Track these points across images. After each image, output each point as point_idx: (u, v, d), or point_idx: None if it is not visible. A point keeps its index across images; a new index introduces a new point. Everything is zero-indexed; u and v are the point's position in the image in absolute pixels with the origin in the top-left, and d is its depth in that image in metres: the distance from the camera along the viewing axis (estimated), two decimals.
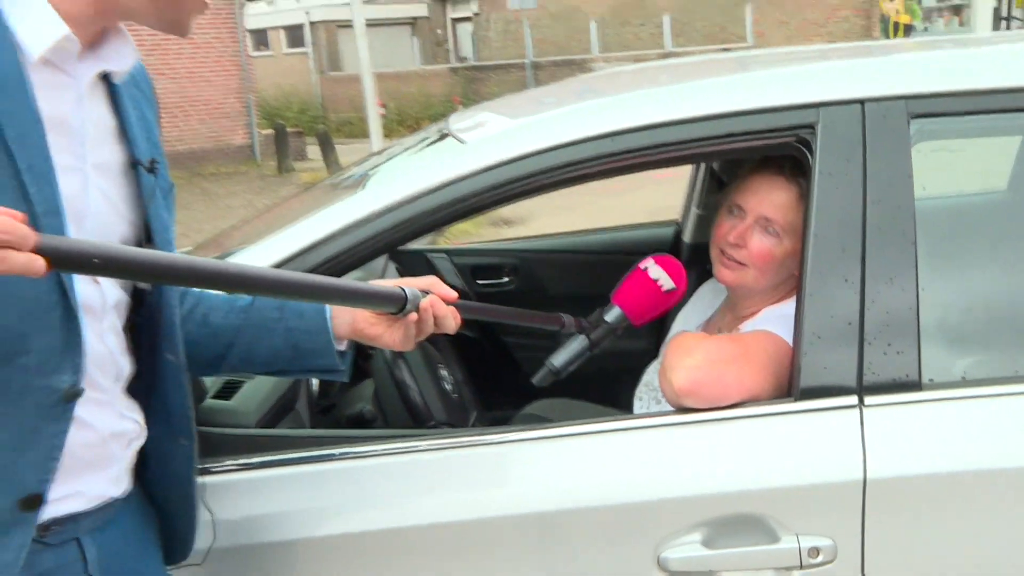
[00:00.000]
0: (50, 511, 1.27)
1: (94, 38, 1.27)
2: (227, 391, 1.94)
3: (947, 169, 2.27)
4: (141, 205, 1.37)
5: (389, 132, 16.47)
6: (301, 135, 19.54)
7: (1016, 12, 24.00)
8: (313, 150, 18.17)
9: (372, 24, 24.82)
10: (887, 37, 21.18)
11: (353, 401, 2.35)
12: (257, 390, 1.95)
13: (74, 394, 1.24)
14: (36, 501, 1.23)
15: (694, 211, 3.18)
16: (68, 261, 1.02)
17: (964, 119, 1.84)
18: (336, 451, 1.78)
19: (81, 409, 1.26)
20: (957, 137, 2.06)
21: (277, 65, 30.26)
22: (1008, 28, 23.35)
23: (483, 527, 1.72)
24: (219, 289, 1.41)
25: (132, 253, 1.12)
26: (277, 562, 1.72)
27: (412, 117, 24.11)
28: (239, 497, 1.71)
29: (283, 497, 1.73)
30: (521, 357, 3.25)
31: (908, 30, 21.88)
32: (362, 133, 23.19)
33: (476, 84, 24.32)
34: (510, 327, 3.22)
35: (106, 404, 1.34)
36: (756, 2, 21.89)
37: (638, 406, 2.20)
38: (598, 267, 3.19)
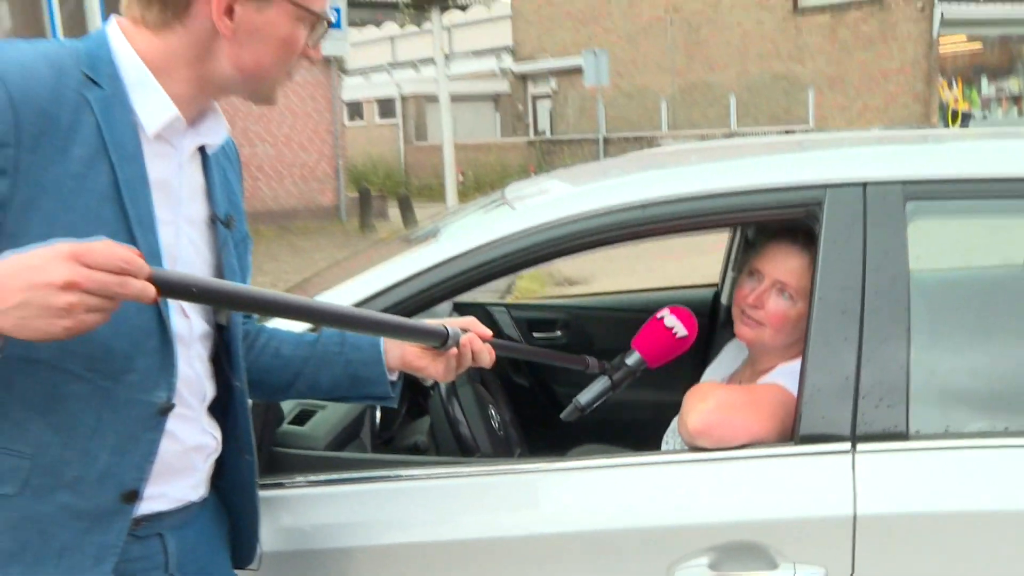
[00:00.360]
0: (142, 507, 1.40)
1: (196, 116, 1.43)
2: (301, 418, 2.07)
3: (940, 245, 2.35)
4: (217, 252, 1.51)
5: (464, 197, 16.80)
6: (384, 197, 19.78)
7: None
8: (394, 211, 18.49)
9: (458, 98, 25.33)
10: (946, 124, 20.88)
11: (411, 434, 2.48)
12: (327, 419, 2.09)
13: (167, 408, 1.38)
14: (133, 496, 1.37)
15: (730, 274, 3.26)
16: (172, 289, 1.20)
17: (954, 202, 1.93)
18: (391, 473, 1.89)
19: (171, 423, 1.40)
20: (948, 217, 2.13)
21: (368, 134, 30.83)
22: None
23: (517, 544, 1.80)
24: (286, 317, 1.57)
25: (219, 284, 1.30)
26: (337, 566, 1.81)
27: (488, 184, 24.28)
28: (308, 509, 1.83)
29: (345, 511, 1.83)
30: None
31: (966, 118, 21.42)
32: (440, 197, 23.51)
33: (550, 156, 24.50)
34: (562, 378, 3.32)
35: (192, 420, 1.47)
36: (818, 86, 21.77)
37: (664, 448, 2.30)
38: (641, 324, 3.34)
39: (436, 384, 2.33)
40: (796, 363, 2.02)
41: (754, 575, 1.75)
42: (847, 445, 1.78)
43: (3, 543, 1.30)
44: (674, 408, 2.65)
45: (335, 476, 1.87)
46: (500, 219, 2.04)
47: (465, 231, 2.14)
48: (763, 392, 1.95)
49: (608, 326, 3.47)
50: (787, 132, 19.83)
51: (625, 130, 25.02)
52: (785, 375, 2.01)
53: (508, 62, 30.36)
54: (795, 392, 1.90)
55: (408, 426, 2.56)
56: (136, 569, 1.42)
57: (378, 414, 2.39)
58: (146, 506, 1.41)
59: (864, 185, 1.88)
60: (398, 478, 1.88)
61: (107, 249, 1.11)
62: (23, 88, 1.22)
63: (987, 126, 21.78)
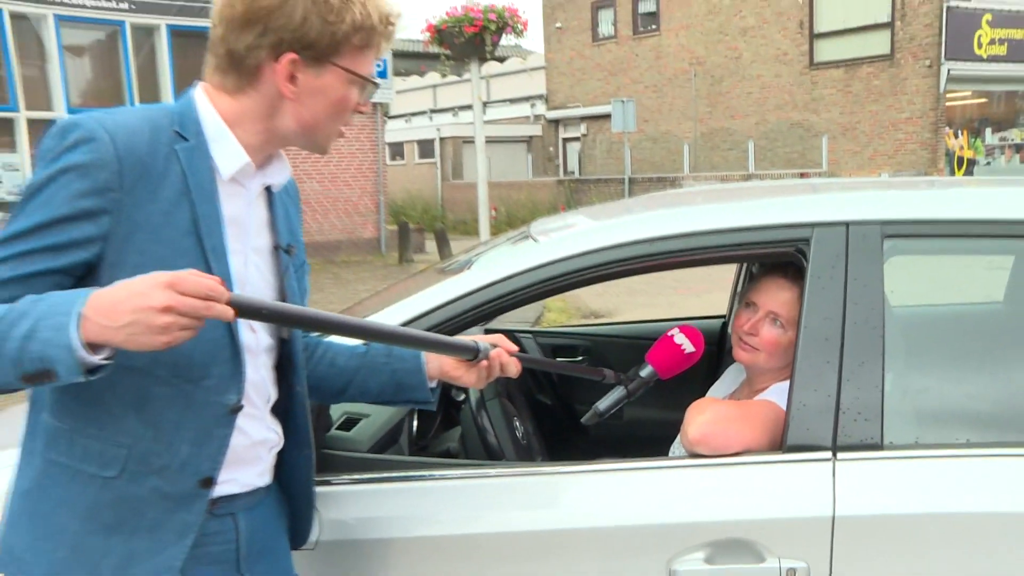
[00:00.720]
0: (216, 491, 1.54)
1: (263, 162, 1.58)
2: (347, 424, 2.18)
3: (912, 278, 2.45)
4: (280, 277, 1.65)
5: (497, 231, 16.88)
6: (421, 231, 19.83)
7: None
8: (430, 244, 18.65)
9: (493, 141, 25.52)
10: (951, 170, 20.85)
11: (444, 442, 2.60)
12: (370, 426, 2.20)
13: (237, 408, 1.53)
14: (209, 482, 1.52)
15: (736, 306, 3.39)
16: (246, 311, 1.35)
17: (927, 240, 2.02)
18: (426, 473, 1.99)
19: (240, 420, 1.55)
20: (921, 255, 2.24)
21: (408, 173, 31.07)
22: None
23: (536, 537, 1.89)
24: (340, 335, 1.69)
25: (284, 307, 1.45)
26: (377, 555, 1.91)
27: (519, 220, 24.39)
28: (352, 504, 1.94)
29: (385, 506, 1.94)
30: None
31: (971, 164, 21.40)
32: (474, 231, 23.62)
33: (578, 194, 24.60)
34: (582, 396, 3.40)
35: (258, 419, 1.61)
36: (832, 134, 21.79)
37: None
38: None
39: (467, 397, 2.45)
40: (787, 383, 2.07)
41: (744, 568, 1.83)
42: (829, 454, 1.87)
43: (106, 517, 1.46)
44: (678, 425, 2.75)
45: (377, 475, 1.97)
46: (524, 252, 2.15)
47: (492, 263, 2.24)
48: (756, 407, 2.04)
49: (625, 351, 3.53)
50: (802, 175, 19.90)
51: (649, 171, 25.08)
52: (777, 393, 2.10)
53: (541, 108, 30.55)
54: (784, 407, 1.98)
55: (442, 434, 2.67)
56: (212, 543, 1.56)
57: (415, 423, 2.51)
58: (220, 489, 1.55)
59: (847, 224, 1.98)
60: (432, 478, 1.98)
61: (196, 278, 1.27)
62: (127, 144, 1.39)
63: (991, 172, 21.74)
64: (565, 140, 30.05)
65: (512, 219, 24.14)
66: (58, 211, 1.35)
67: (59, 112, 14.29)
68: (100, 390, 1.42)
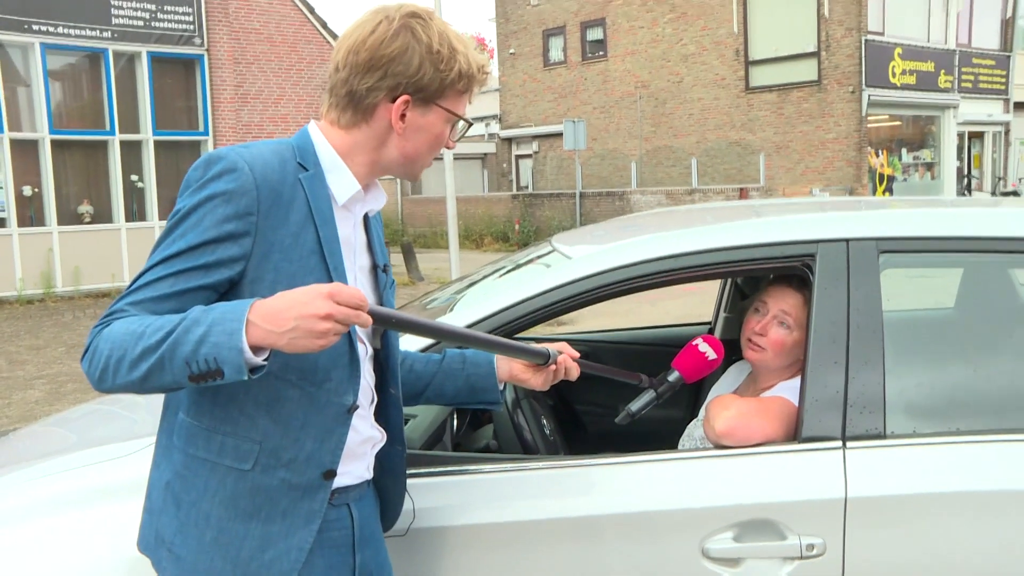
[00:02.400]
0: (336, 482, 1.61)
1: (367, 189, 1.66)
2: None
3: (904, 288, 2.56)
4: (378, 292, 1.73)
5: (478, 245, 16.41)
6: (387, 245, 19.81)
7: (975, 172, 24.39)
8: (396, 258, 18.62)
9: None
10: (874, 186, 21.44)
11: (480, 438, 2.66)
12: (419, 425, 2.22)
13: (353, 408, 1.61)
14: (331, 474, 1.59)
15: (723, 315, 3.46)
16: (380, 319, 1.44)
17: (917, 255, 2.14)
18: (474, 467, 2.03)
19: (354, 419, 1.62)
20: (912, 267, 2.33)
21: None
22: (969, 184, 23.69)
23: (576, 523, 1.95)
24: (449, 341, 1.77)
25: (410, 316, 1.53)
26: (432, 543, 1.96)
27: (477, 233, 24.46)
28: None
29: (433, 496, 1.97)
30: (590, 422, 3.54)
31: (891, 180, 22.14)
32: (434, 244, 23.57)
33: (532, 208, 24.68)
34: (582, 398, 3.47)
35: (365, 418, 1.69)
36: (767, 152, 22.22)
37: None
38: (647, 355, 3.49)
39: (503, 397, 2.51)
40: (793, 381, 2.22)
41: (768, 545, 1.92)
42: (839, 443, 1.97)
43: (245, 505, 1.53)
44: (674, 423, 2.83)
45: (430, 470, 2.01)
46: (558, 268, 2.21)
47: (526, 280, 2.29)
48: (772, 403, 2.14)
49: (621, 355, 3.64)
50: (741, 190, 20.24)
51: (599, 186, 25.30)
52: (786, 390, 2.20)
53: (495, 128, 30.65)
54: (796, 403, 2.10)
55: (473, 434, 2.73)
56: (333, 528, 1.64)
57: (455, 422, 2.57)
58: (338, 481, 1.62)
59: (847, 241, 2.09)
60: (481, 472, 2.03)
61: (349, 290, 1.36)
62: (263, 174, 1.47)
63: (908, 188, 22.38)
64: (518, 157, 30.15)
65: (470, 232, 24.14)
66: (207, 234, 1.43)
67: (42, 133, 14.08)
68: (235, 392, 1.50)
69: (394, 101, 1.56)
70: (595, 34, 26.48)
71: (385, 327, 1.56)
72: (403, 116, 1.58)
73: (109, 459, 2.07)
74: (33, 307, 13.56)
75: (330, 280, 1.53)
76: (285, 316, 1.33)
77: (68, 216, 14.60)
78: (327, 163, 1.58)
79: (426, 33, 1.55)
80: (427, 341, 2.06)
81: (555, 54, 27.84)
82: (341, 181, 1.59)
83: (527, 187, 29.12)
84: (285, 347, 1.34)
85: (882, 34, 21.24)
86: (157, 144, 15.23)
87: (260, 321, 1.34)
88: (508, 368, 1.92)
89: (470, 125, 1.68)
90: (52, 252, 14.29)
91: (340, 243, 1.57)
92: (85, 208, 14.81)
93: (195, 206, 1.44)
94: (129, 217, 15.08)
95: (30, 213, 14.25)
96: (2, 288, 13.84)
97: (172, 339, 1.35)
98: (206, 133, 15.79)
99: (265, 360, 1.37)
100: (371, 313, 1.39)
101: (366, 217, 1.72)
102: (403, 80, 1.54)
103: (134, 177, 15.19)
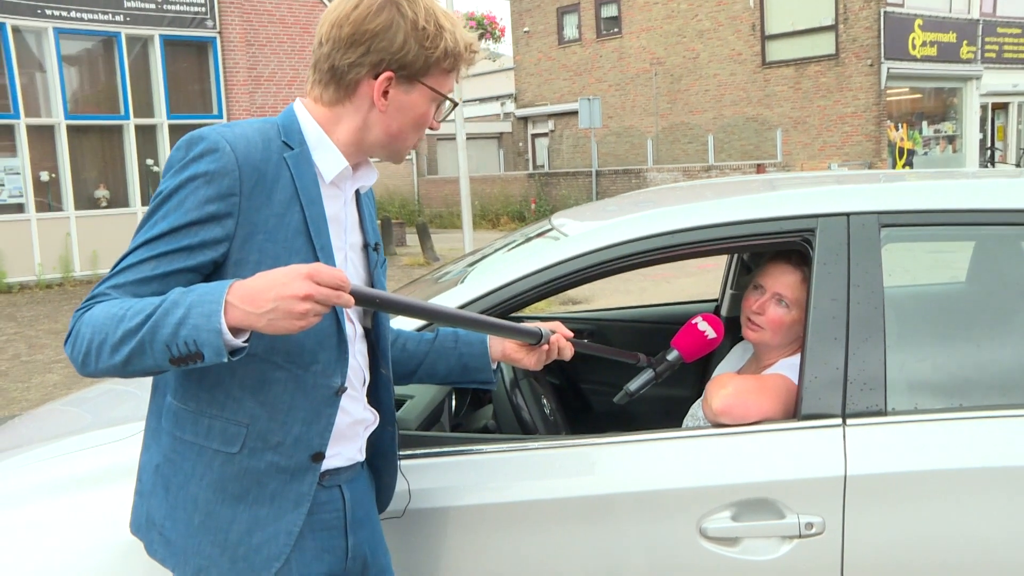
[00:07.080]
0: (325, 464, 1.60)
1: (356, 167, 1.64)
2: (396, 405, 2.25)
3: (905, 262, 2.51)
4: (369, 271, 1.71)
5: (473, 224, 16.66)
6: (403, 225, 19.73)
7: (998, 144, 24.01)
8: (412, 238, 18.60)
9: (466, 137, 25.31)
10: (893, 160, 21.18)
11: (478, 419, 2.66)
12: (416, 406, 2.23)
13: (342, 391, 1.59)
14: (320, 456, 1.57)
15: (729, 291, 3.42)
16: (362, 300, 1.42)
17: (919, 229, 2.10)
18: (471, 448, 2.02)
19: (344, 401, 1.60)
20: (913, 241, 2.29)
21: (385, 169, 30.88)
22: (992, 156, 23.34)
23: (573, 503, 1.93)
24: (437, 321, 1.73)
25: (391, 296, 1.51)
26: (428, 524, 1.94)
27: (493, 213, 24.39)
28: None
29: (430, 477, 1.96)
30: (597, 402, 3.54)
31: (911, 154, 21.84)
32: (450, 224, 23.53)
33: (548, 188, 24.59)
34: (588, 378, 3.48)
35: (357, 400, 1.67)
36: (784, 128, 22.00)
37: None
38: (655, 333, 3.43)
39: (501, 377, 2.50)
40: (792, 358, 2.20)
41: (767, 524, 1.90)
42: (839, 421, 1.94)
43: (233, 488, 1.52)
44: (681, 402, 2.81)
45: (427, 451, 2.00)
46: (554, 246, 2.19)
47: (524, 258, 2.24)
48: (771, 380, 2.11)
49: (628, 334, 3.62)
50: (758, 166, 20.08)
51: (615, 164, 25.15)
52: (785, 367, 2.18)
53: (511, 107, 30.50)
54: (795, 380, 2.07)
55: (473, 414, 2.73)
56: (324, 511, 1.63)
57: (453, 403, 2.56)
58: (327, 463, 1.61)
59: (848, 215, 2.06)
60: (480, 452, 2.01)
61: (331, 270, 1.34)
62: (245, 154, 1.45)
63: (928, 161, 22.07)
64: (534, 136, 30.05)
65: (486, 212, 24.09)
66: (189, 215, 1.41)
67: (58, 119, 14.15)
68: (221, 375, 1.48)
69: (377, 78, 1.53)
70: (610, 11, 26.26)
71: (369, 307, 1.54)
72: (385, 93, 1.55)
73: (123, 439, 2.06)
74: (52, 291, 13.69)
75: (315, 260, 1.51)
76: (264, 297, 1.31)
77: (85, 201, 14.71)
78: (313, 140, 1.56)
79: (412, 9, 1.52)
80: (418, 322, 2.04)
81: (570, 32, 27.64)
82: (328, 158, 1.57)
83: (543, 166, 29.01)
84: (264, 328, 1.32)
85: (902, 5, 20.91)
86: (171, 128, 15.27)
87: (238, 302, 1.32)
88: (501, 348, 1.90)
89: (455, 105, 1.64)
90: (70, 237, 14.40)
91: (328, 222, 1.55)
92: (102, 192, 14.91)
93: (176, 187, 1.42)
94: (145, 201, 15.15)
95: (48, 199, 14.34)
96: (22, 273, 13.97)
97: (152, 322, 1.33)
98: (220, 116, 15.81)
99: (245, 342, 1.36)
100: (354, 293, 1.37)
101: (357, 194, 1.69)
102: (386, 56, 1.51)
103: (149, 161, 15.26)
